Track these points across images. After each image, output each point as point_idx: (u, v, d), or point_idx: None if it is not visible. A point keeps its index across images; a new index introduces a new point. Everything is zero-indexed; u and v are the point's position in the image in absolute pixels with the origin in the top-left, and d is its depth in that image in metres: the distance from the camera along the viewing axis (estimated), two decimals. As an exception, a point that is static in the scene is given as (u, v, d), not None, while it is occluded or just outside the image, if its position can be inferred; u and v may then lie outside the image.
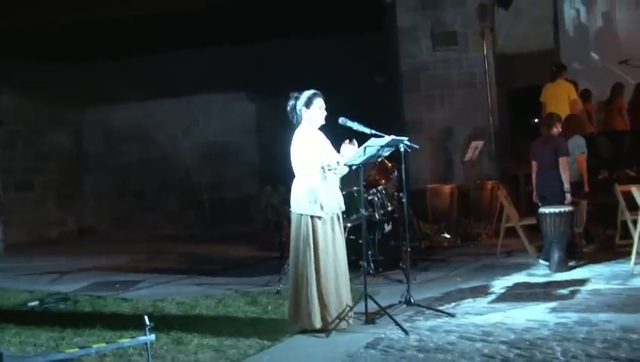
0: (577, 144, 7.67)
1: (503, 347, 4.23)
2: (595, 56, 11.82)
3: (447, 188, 8.99)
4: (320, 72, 12.11)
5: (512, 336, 4.45)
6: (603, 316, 4.80)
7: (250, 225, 12.10)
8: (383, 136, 4.91)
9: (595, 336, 4.32)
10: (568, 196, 6.89)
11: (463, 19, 10.60)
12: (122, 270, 8.66)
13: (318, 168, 4.87)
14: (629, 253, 6.47)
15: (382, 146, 4.94)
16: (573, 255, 7.08)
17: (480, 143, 9.39)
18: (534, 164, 7.31)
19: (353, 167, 5.04)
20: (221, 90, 13.49)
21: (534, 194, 7.31)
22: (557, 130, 7.19)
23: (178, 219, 13.74)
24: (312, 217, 4.86)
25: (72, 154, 14.35)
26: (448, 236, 9.03)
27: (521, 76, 11.41)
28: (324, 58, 12.59)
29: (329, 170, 4.84)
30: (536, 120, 10.67)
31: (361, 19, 11.87)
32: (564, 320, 4.75)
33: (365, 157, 4.89)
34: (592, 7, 11.82)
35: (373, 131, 4.97)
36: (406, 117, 10.69)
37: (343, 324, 4.92)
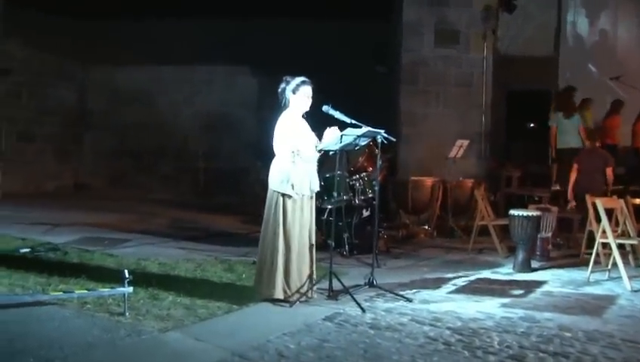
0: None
1: (448, 332, 4.61)
2: (592, 68, 12.10)
3: (428, 182, 9.26)
4: (324, 55, 12.44)
5: (459, 324, 4.82)
6: (547, 315, 5.16)
7: (241, 197, 12.35)
8: (361, 127, 5.23)
9: (533, 331, 4.70)
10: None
11: (467, 19, 10.83)
12: (112, 228, 9.00)
13: (288, 153, 5.19)
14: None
15: (358, 136, 5.25)
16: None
17: (465, 142, 9.66)
18: (576, 168, 8.72)
19: (330, 153, 5.37)
20: (226, 62, 13.76)
21: (570, 194, 8.68)
22: (599, 142, 8.99)
23: (172, 184, 14.06)
24: (283, 195, 5.20)
25: (75, 111, 14.58)
26: (426, 228, 9.37)
27: (522, 79, 11.67)
28: (329, 41, 12.86)
29: (297, 155, 5.16)
30: (532, 124, 10.95)
31: (370, 7, 12.11)
32: (510, 315, 5.12)
33: (342, 144, 5.22)
34: (594, 22, 12.09)
35: (353, 121, 5.28)
36: (402, 108, 10.99)
37: (305, 298, 5.26)
